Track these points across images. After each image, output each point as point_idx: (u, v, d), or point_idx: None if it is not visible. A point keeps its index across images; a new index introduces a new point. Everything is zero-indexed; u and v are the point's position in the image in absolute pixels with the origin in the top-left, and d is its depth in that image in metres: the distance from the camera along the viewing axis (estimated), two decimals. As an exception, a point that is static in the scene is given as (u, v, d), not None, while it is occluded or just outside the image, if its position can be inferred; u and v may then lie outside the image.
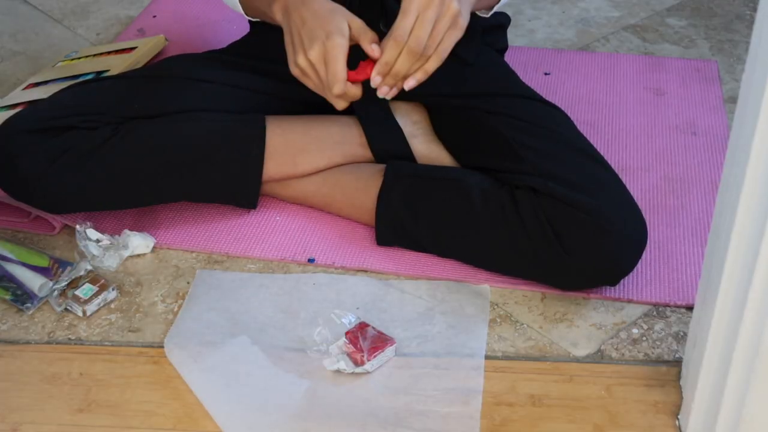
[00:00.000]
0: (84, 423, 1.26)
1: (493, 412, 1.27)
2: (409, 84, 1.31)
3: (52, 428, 1.26)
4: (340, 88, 1.30)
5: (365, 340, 1.32)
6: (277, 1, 1.36)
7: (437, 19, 1.27)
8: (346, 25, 1.31)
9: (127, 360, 1.35)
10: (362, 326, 1.34)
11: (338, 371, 1.31)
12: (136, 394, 1.30)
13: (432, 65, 1.30)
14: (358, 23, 1.32)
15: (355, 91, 1.32)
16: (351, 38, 1.31)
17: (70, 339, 1.39)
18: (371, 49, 1.30)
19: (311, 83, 1.33)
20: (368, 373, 1.31)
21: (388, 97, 1.33)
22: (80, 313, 1.41)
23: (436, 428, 1.24)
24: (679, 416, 1.27)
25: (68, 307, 1.42)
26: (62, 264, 1.47)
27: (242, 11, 1.50)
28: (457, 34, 1.29)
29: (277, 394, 1.29)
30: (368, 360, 1.31)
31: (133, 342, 1.38)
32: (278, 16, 1.36)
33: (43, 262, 1.47)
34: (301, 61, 1.31)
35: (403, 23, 1.27)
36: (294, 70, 1.33)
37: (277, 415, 1.26)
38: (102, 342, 1.38)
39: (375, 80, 1.31)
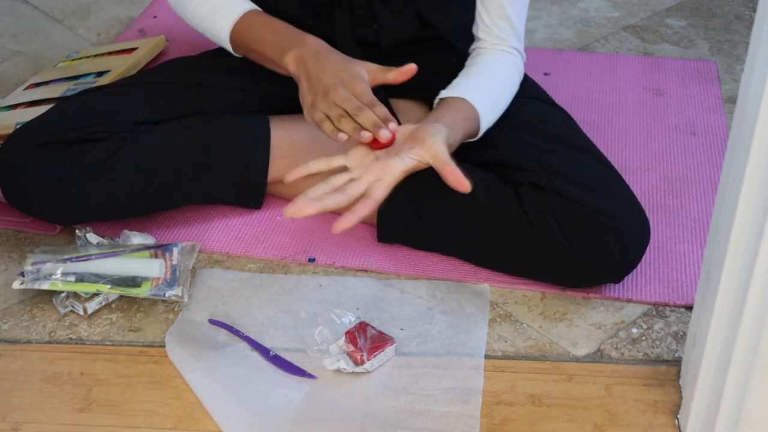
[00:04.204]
0: (85, 422, 1.27)
1: (493, 412, 1.28)
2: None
3: (53, 427, 1.26)
4: (378, 106, 1.30)
5: (365, 340, 1.32)
6: (290, 53, 1.38)
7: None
8: (364, 71, 1.33)
9: (127, 359, 1.35)
10: (362, 326, 1.34)
11: (338, 371, 1.31)
12: (136, 393, 1.30)
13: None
14: (373, 67, 1.35)
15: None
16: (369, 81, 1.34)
17: (71, 338, 1.39)
18: (388, 77, 1.34)
19: (329, 128, 1.32)
20: (368, 372, 1.31)
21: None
22: (81, 312, 1.41)
23: (436, 428, 1.24)
24: (678, 415, 1.27)
25: (70, 306, 1.42)
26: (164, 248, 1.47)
27: (230, 48, 1.48)
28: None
29: (278, 394, 1.29)
30: (368, 359, 1.31)
31: (133, 341, 1.38)
32: (291, 67, 1.38)
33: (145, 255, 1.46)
34: (322, 105, 1.31)
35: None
36: (315, 116, 1.33)
37: (277, 415, 1.26)
38: (103, 341, 1.38)
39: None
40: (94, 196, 1.46)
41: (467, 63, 1.51)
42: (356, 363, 1.31)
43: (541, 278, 1.45)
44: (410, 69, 1.32)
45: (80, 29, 2.15)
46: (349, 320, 1.37)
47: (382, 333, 1.34)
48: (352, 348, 1.31)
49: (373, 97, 1.31)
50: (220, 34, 1.46)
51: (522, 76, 1.53)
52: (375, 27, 1.52)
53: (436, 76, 1.57)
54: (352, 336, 1.32)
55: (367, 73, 1.34)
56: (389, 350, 1.33)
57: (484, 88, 1.44)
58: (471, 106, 1.40)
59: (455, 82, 1.46)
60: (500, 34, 1.49)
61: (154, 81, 1.58)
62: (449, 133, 1.32)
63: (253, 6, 1.46)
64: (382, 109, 1.30)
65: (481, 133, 1.43)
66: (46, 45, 2.09)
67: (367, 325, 1.35)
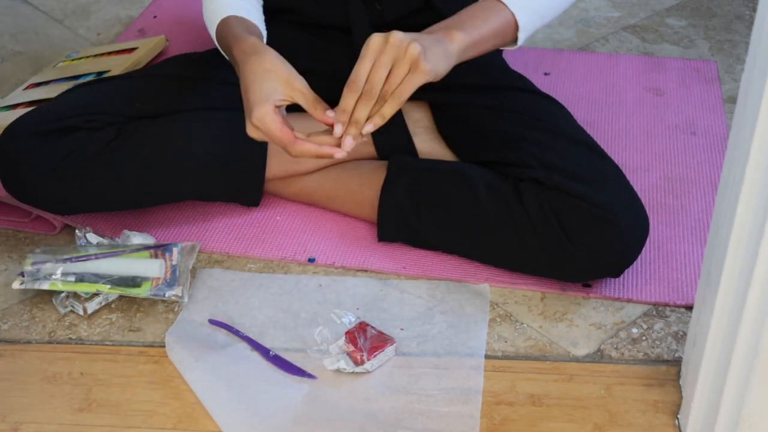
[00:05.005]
0: (85, 422, 1.27)
1: (493, 412, 1.28)
2: (366, 129, 1.24)
3: (53, 428, 1.26)
4: (293, 149, 1.25)
5: (365, 340, 1.32)
6: (233, 56, 1.34)
7: (395, 64, 1.24)
8: (272, 88, 1.26)
9: (127, 359, 1.35)
10: (362, 326, 1.34)
11: (338, 371, 1.31)
12: (136, 393, 1.30)
13: (388, 110, 1.25)
14: (297, 86, 1.27)
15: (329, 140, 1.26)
16: (297, 96, 1.27)
17: (70, 338, 1.39)
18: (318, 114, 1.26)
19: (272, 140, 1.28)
20: (368, 372, 1.31)
21: (348, 149, 1.25)
22: (81, 312, 1.41)
23: (436, 428, 1.24)
24: (678, 416, 1.27)
25: (70, 306, 1.42)
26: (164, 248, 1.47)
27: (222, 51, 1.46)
28: (418, 78, 1.24)
29: (278, 394, 1.29)
30: (368, 359, 1.31)
31: (133, 341, 1.38)
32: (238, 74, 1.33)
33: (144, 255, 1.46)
34: (250, 130, 1.28)
35: (358, 69, 1.24)
36: (251, 134, 1.29)
37: (277, 415, 1.26)
38: (103, 341, 1.38)
39: (337, 130, 1.25)
40: (90, 185, 1.47)
41: None
42: (356, 363, 1.31)
43: (540, 273, 1.45)
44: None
45: (80, 29, 2.15)
46: (349, 320, 1.37)
47: (382, 333, 1.34)
48: (352, 348, 1.31)
49: (282, 141, 1.25)
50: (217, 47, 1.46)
51: None
52: (378, 7, 1.52)
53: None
54: (352, 336, 1.32)
55: (281, 90, 1.27)
56: (389, 350, 1.33)
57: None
58: (507, 11, 1.36)
59: None
60: None
61: (155, 74, 1.59)
62: (460, 52, 1.31)
63: (233, 12, 1.41)
64: (303, 148, 1.25)
65: (521, 42, 1.39)
66: (46, 45, 2.09)
67: (367, 325, 1.35)
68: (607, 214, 1.36)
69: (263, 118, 1.26)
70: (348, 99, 1.25)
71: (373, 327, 1.35)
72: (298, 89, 1.27)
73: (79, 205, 1.50)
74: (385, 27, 1.51)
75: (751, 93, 1.05)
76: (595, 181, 1.39)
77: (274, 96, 1.26)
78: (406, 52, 1.24)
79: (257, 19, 1.43)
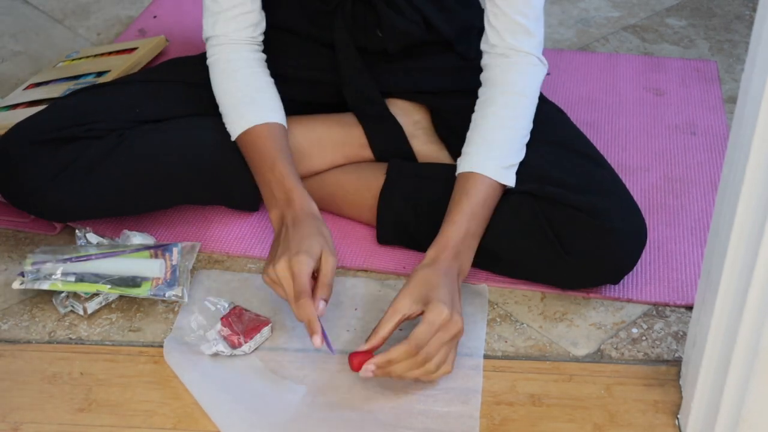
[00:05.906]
0: (84, 422, 1.27)
1: (493, 412, 1.27)
2: (366, 370, 1.25)
3: (53, 427, 1.26)
4: (303, 299, 1.26)
5: (241, 324, 1.33)
6: (273, 209, 1.39)
7: (448, 341, 1.26)
8: (317, 249, 1.30)
9: (127, 359, 1.35)
10: (237, 310, 1.36)
11: (217, 354, 1.33)
12: (136, 393, 1.30)
13: (420, 376, 1.26)
14: (329, 260, 1.30)
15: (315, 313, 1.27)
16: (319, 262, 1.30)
17: (70, 338, 1.39)
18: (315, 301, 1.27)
19: (279, 291, 1.31)
20: (260, 358, 1.33)
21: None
22: (81, 312, 1.41)
23: (436, 428, 1.24)
24: (678, 415, 1.27)
25: (70, 306, 1.42)
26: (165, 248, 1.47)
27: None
28: (452, 359, 1.27)
29: (277, 393, 1.29)
30: (245, 342, 1.33)
31: (133, 341, 1.38)
32: (273, 221, 1.39)
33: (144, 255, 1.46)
34: (270, 270, 1.30)
35: (422, 334, 1.24)
36: (264, 278, 1.33)
37: (276, 414, 1.26)
38: (103, 341, 1.38)
39: (367, 369, 1.24)
40: (90, 194, 1.46)
41: (479, 106, 1.44)
42: (234, 346, 1.33)
43: (539, 281, 1.45)
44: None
45: (80, 29, 2.15)
46: (223, 306, 1.38)
47: (258, 315, 1.37)
48: (228, 332, 1.33)
49: (301, 289, 1.27)
50: (231, 132, 1.48)
51: (540, 83, 1.45)
52: (379, 34, 1.51)
53: (436, 78, 1.57)
54: (227, 321, 1.34)
55: (320, 255, 1.30)
56: (265, 331, 1.36)
57: (501, 149, 1.39)
58: (490, 182, 1.37)
59: (471, 145, 1.40)
60: (514, 42, 1.42)
61: (153, 79, 1.58)
62: (463, 263, 1.35)
63: (256, 121, 1.44)
64: (307, 309, 1.26)
65: (511, 184, 1.40)
66: (46, 45, 2.09)
67: (242, 309, 1.37)
68: (604, 223, 1.36)
69: (299, 263, 1.27)
70: (401, 353, 1.24)
71: (247, 310, 1.37)
72: (324, 269, 1.29)
73: (79, 213, 1.50)
74: (384, 57, 1.52)
75: (751, 93, 1.05)
76: (592, 190, 1.39)
77: (313, 252, 1.29)
78: (455, 326, 1.26)
79: (279, 112, 1.47)
